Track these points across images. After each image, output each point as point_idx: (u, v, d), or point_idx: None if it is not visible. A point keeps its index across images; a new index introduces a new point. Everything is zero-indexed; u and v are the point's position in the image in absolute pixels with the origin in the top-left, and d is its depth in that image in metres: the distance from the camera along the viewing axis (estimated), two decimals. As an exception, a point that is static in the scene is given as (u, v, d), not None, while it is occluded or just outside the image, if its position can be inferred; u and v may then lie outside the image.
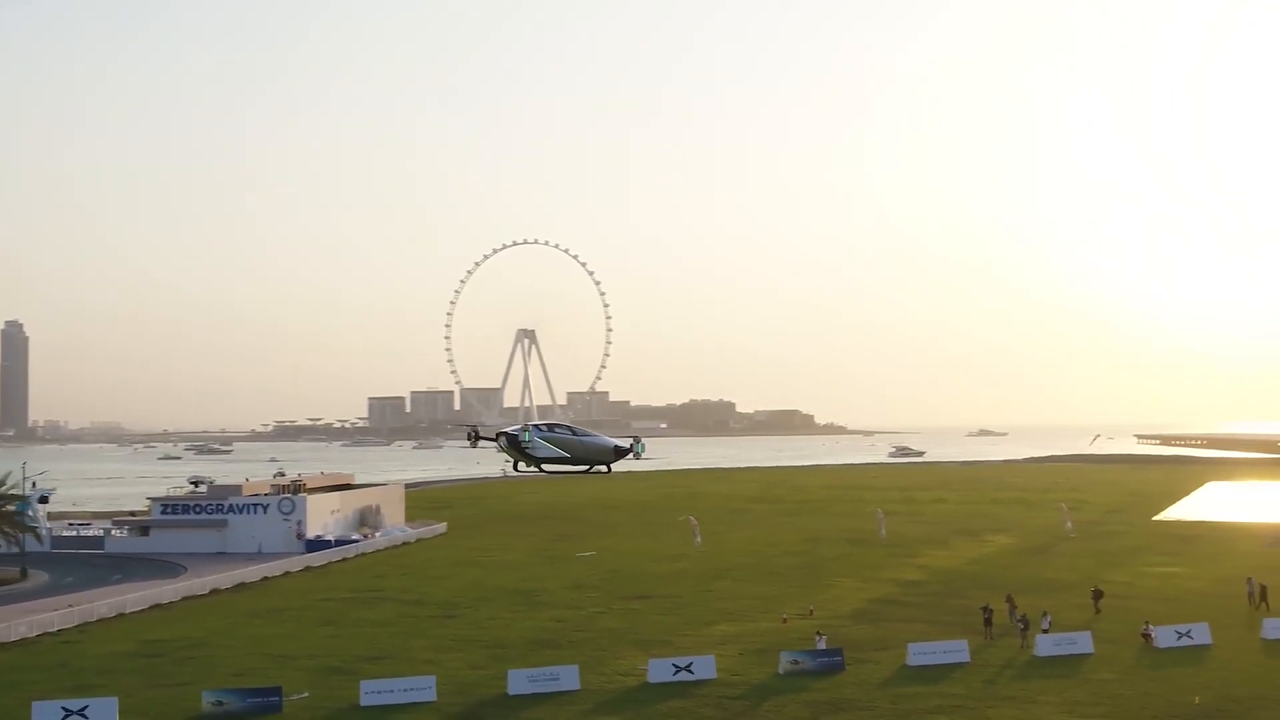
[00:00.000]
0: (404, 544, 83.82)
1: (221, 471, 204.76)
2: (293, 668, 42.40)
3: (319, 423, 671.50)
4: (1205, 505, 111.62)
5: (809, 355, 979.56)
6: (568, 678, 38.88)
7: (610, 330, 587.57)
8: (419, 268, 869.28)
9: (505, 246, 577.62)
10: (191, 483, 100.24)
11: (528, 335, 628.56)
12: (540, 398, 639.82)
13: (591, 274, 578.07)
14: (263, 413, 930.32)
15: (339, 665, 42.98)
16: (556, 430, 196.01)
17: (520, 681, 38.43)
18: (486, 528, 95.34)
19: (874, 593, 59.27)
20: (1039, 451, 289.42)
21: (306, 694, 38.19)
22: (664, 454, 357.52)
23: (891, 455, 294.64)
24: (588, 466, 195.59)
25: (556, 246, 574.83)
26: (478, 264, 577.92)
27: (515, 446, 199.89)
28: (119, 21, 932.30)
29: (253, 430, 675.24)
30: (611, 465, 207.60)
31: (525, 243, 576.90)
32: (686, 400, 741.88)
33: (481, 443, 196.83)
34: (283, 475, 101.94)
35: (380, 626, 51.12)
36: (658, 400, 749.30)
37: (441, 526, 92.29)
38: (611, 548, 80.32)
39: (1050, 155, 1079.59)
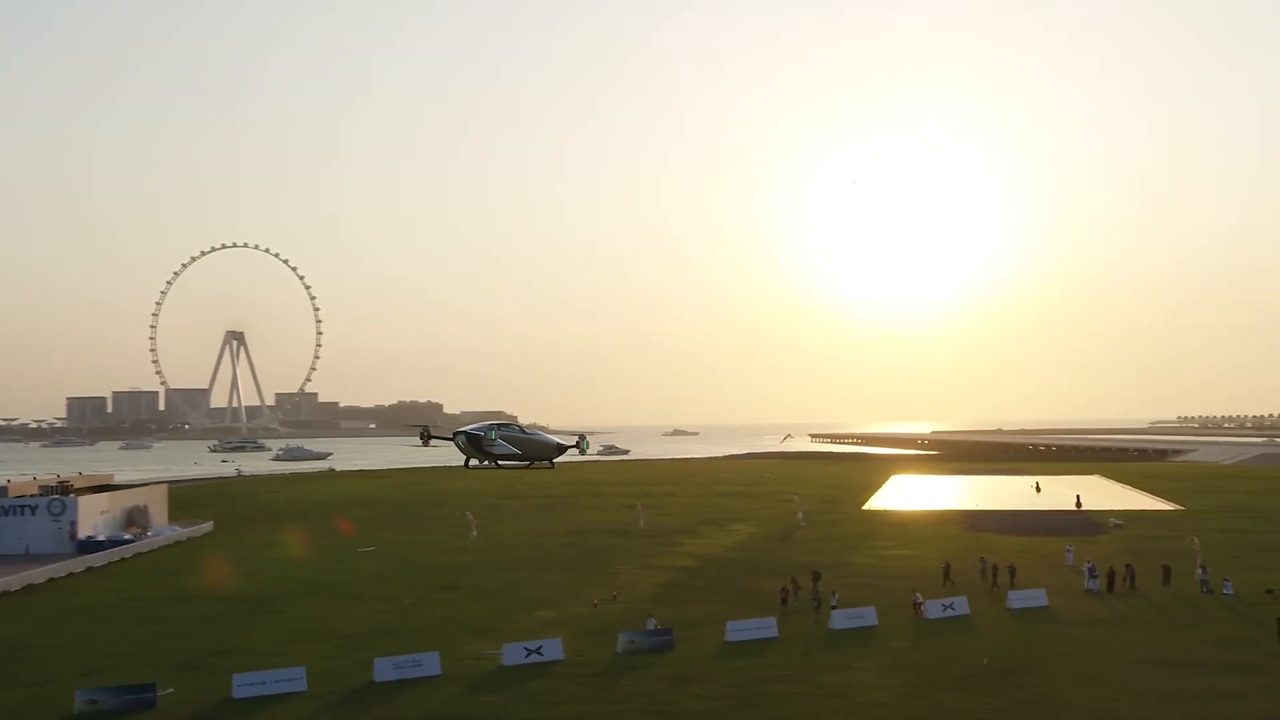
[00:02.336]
0: (177, 543, 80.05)
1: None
2: (140, 664, 40.50)
3: (14, 423, 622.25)
4: (899, 495, 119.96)
5: (511, 357, 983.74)
6: (430, 664, 38.94)
7: (320, 333, 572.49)
8: (122, 266, 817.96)
9: (214, 249, 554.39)
10: None
11: (236, 337, 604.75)
12: (249, 398, 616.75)
13: (302, 278, 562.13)
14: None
15: (186, 661, 41.35)
16: (510, 429, 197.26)
17: (386, 669, 38.24)
18: (252, 526, 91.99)
19: (659, 578, 61.45)
20: (730, 449, 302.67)
21: (171, 689, 36.72)
22: (382, 455, 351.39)
23: (600, 453, 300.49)
24: (530, 462, 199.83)
25: (266, 250, 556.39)
26: (185, 265, 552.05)
27: (474, 444, 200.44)
28: None
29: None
30: (554, 460, 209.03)
31: (234, 246, 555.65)
32: (395, 401, 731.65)
33: (434, 441, 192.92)
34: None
35: (206, 622, 49.19)
36: (367, 401, 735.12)
37: (208, 525, 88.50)
38: (388, 542, 78.97)
39: (745, 164, 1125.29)
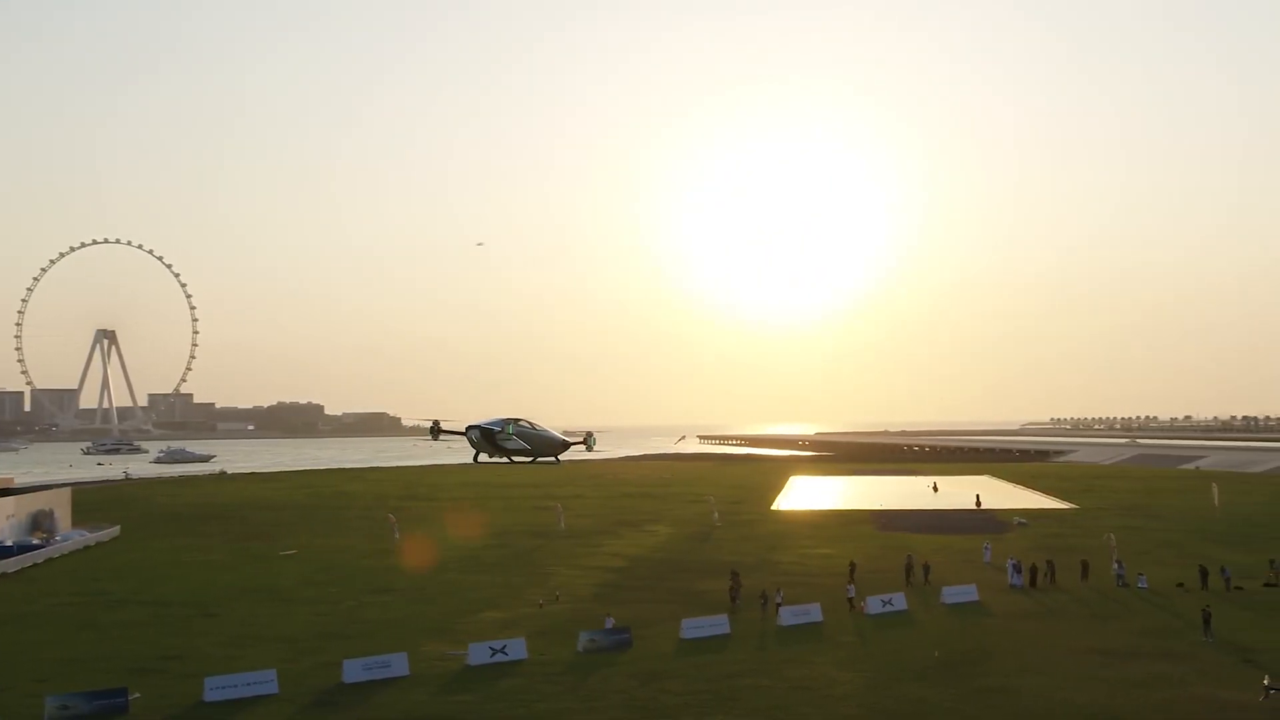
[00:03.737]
0: (86, 548, 78.10)
1: None
2: (93, 670, 39.76)
3: None
4: (803, 496, 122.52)
5: (393, 357, 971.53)
6: (398, 664, 39.13)
7: (196, 331, 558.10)
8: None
9: (84, 244, 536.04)
10: None
11: (107, 335, 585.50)
12: (121, 399, 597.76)
13: (177, 275, 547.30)
14: None
15: (138, 666, 40.70)
16: (521, 426, 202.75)
17: (355, 670, 38.33)
18: (159, 529, 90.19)
19: (593, 579, 62.18)
20: (623, 451, 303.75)
21: (138, 695, 36.31)
22: (267, 456, 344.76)
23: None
24: (535, 457, 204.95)
25: (140, 247, 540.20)
26: (53, 261, 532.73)
27: (488, 439, 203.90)
28: None
29: None
30: (560, 456, 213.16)
31: (105, 241, 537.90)
32: (274, 402, 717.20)
33: (444, 437, 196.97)
34: None
35: (145, 628, 48.38)
36: (245, 402, 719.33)
37: (115, 529, 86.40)
38: (308, 546, 78.20)
39: (628, 166, 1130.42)
